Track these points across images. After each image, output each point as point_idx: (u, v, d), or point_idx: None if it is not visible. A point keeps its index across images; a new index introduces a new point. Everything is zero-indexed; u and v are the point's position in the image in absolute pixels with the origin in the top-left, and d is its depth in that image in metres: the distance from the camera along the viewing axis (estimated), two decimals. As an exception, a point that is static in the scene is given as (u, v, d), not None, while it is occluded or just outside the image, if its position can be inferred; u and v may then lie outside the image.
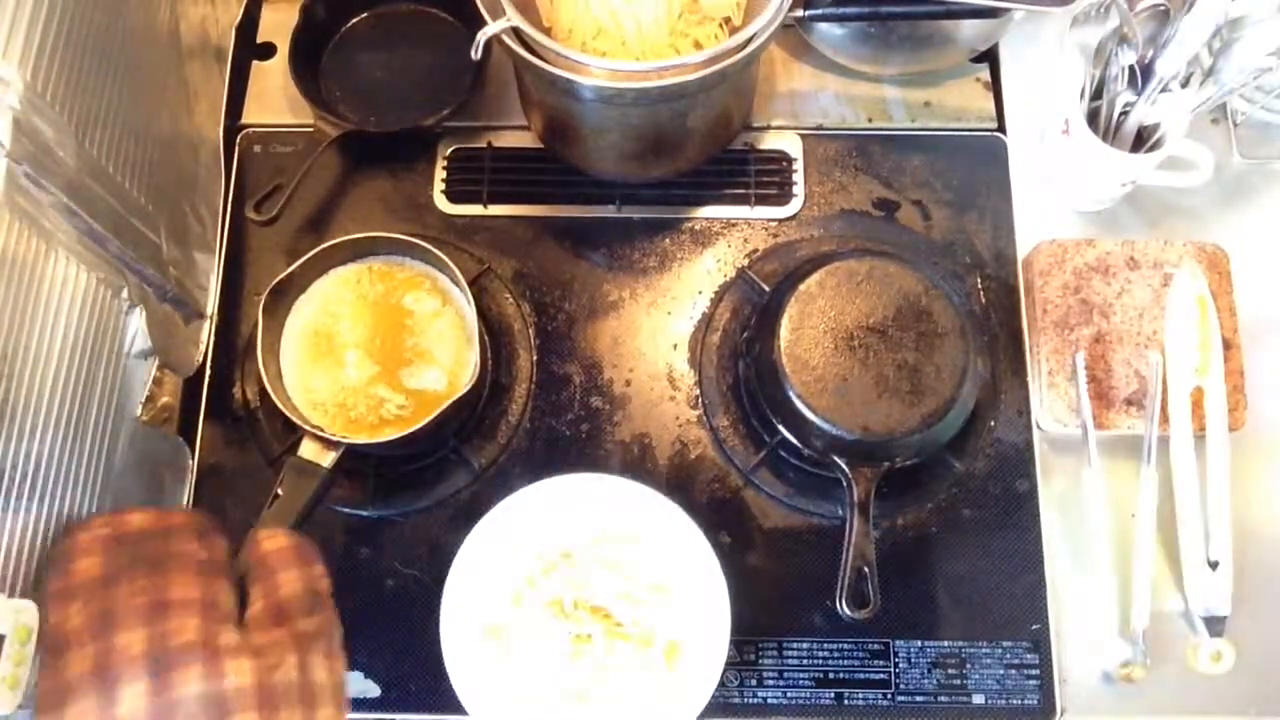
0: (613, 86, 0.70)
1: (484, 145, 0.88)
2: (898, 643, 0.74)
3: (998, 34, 0.89)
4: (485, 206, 0.86)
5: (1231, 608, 0.74)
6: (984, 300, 0.83)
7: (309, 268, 0.75)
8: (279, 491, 0.67)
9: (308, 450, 0.69)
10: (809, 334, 0.72)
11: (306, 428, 0.69)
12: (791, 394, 0.71)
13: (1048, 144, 0.85)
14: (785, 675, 0.74)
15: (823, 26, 0.87)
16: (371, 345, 0.75)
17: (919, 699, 0.74)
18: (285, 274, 0.74)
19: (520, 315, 0.83)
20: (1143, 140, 0.81)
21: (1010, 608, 0.75)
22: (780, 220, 0.86)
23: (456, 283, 0.76)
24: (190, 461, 0.78)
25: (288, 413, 0.70)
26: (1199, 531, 0.75)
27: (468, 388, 0.71)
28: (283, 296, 0.75)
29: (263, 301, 0.72)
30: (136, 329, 0.70)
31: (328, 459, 0.69)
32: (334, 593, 0.58)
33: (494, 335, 0.82)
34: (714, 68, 0.69)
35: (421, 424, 0.70)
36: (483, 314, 0.82)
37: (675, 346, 0.82)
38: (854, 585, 0.68)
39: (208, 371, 0.81)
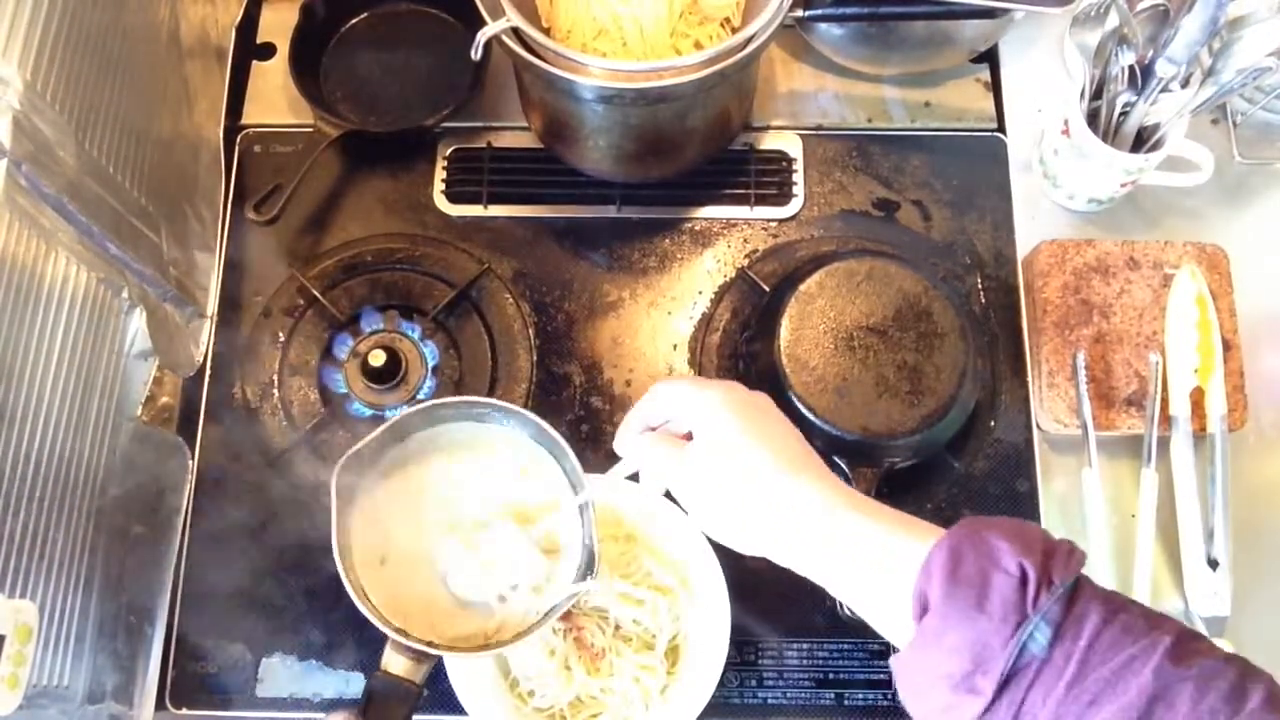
0: (612, 87, 0.70)
1: (484, 145, 0.88)
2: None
3: (998, 34, 0.89)
4: (485, 207, 0.86)
5: (1231, 608, 0.74)
6: (984, 301, 0.83)
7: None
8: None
9: (396, 666, 0.59)
10: (809, 334, 0.72)
11: (401, 640, 0.58)
12: (791, 394, 0.71)
13: (1048, 144, 0.85)
14: (785, 675, 0.74)
15: (822, 27, 0.87)
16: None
17: (919, 699, 0.73)
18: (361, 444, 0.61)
19: (520, 315, 0.83)
20: (1143, 140, 0.81)
21: (1010, 608, 0.75)
22: (780, 220, 0.86)
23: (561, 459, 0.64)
24: (190, 461, 0.78)
25: (368, 613, 0.58)
26: (1199, 531, 0.75)
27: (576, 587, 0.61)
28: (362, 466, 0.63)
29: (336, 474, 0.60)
30: (136, 329, 0.70)
31: (420, 674, 0.59)
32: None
33: (493, 335, 0.82)
34: (714, 68, 0.69)
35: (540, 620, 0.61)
36: (482, 315, 0.83)
37: (675, 347, 0.82)
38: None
39: (208, 371, 0.81)
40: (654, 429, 0.58)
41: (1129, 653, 0.42)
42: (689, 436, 0.56)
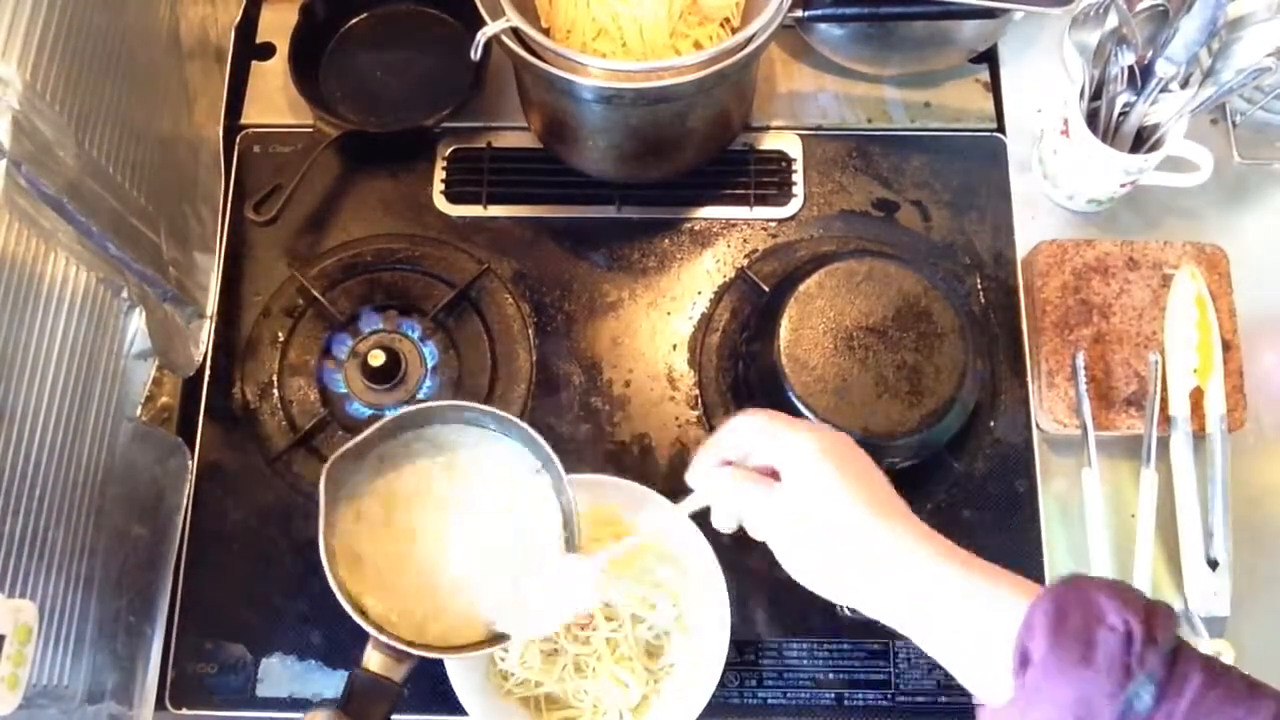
0: (612, 87, 0.70)
1: (484, 145, 0.88)
2: (898, 643, 0.74)
3: (997, 35, 0.89)
4: (485, 207, 0.86)
5: (1231, 608, 0.74)
6: (983, 301, 0.83)
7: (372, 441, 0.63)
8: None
9: (376, 663, 0.60)
10: (809, 334, 0.72)
11: (380, 637, 0.59)
12: (791, 395, 0.71)
13: (1047, 144, 0.85)
14: (785, 675, 0.74)
15: (822, 27, 0.87)
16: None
17: (919, 699, 0.74)
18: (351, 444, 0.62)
19: (520, 315, 0.83)
20: (1143, 140, 0.81)
21: (1010, 608, 0.75)
22: (780, 220, 0.86)
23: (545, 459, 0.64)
24: (190, 461, 0.78)
25: (349, 609, 0.59)
26: (1199, 531, 0.75)
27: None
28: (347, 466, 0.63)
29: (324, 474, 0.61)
30: (136, 329, 0.70)
31: (400, 672, 0.60)
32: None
33: (493, 336, 0.82)
34: (713, 68, 0.69)
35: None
36: (482, 315, 0.83)
37: (675, 347, 0.82)
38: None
39: (208, 371, 0.81)
40: (730, 463, 0.55)
41: (1233, 716, 0.41)
42: (772, 474, 0.53)
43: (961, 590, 0.48)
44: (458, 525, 0.64)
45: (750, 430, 0.54)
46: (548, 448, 0.62)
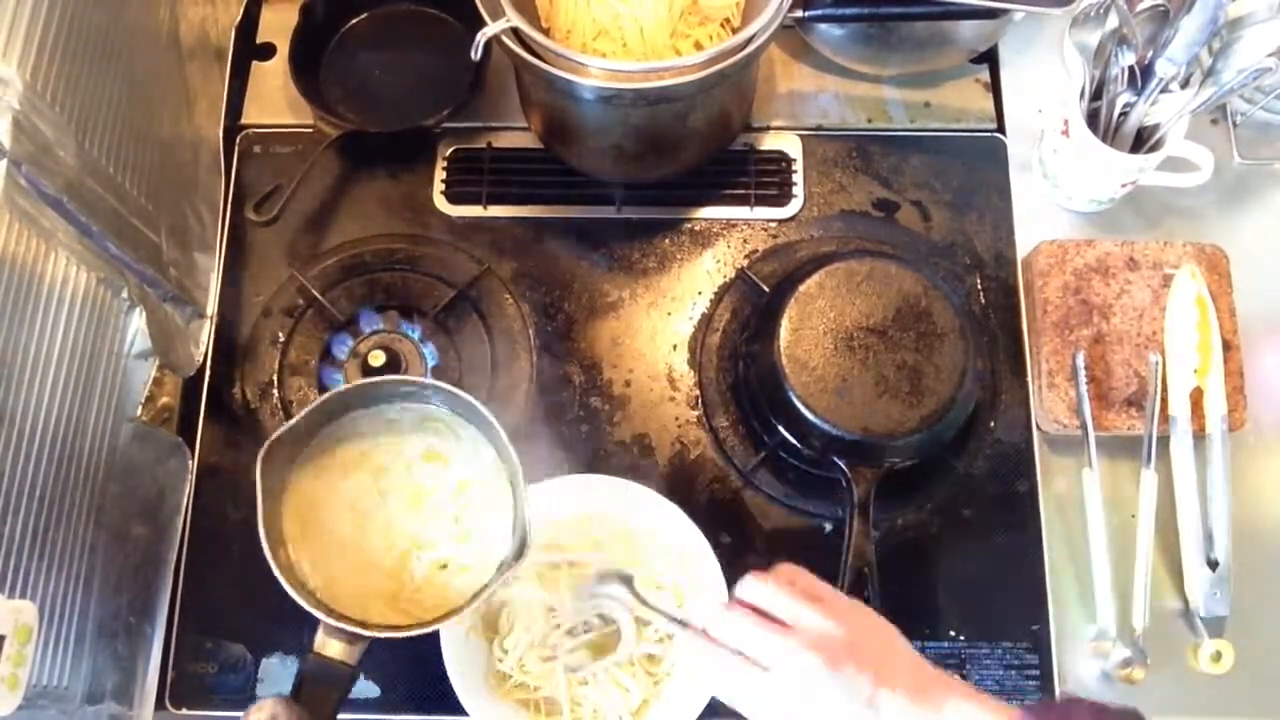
0: (612, 87, 0.70)
1: (484, 146, 0.88)
2: (897, 643, 0.74)
3: (997, 35, 0.89)
4: (485, 207, 0.86)
5: (1231, 608, 0.74)
6: (984, 301, 0.83)
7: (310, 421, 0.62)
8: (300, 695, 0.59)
9: (327, 647, 0.59)
10: (809, 334, 0.72)
11: (330, 621, 0.58)
12: (791, 394, 0.71)
13: (1047, 144, 0.85)
14: (785, 675, 0.74)
15: (822, 27, 0.87)
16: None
17: (919, 699, 0.73)
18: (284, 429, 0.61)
19: (520, 316, 0.83)
20: (1143, 140, 0.81)
21: (1010, 608, 0.75)
22: (780, 221, 0.86)
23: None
24: (190, 461, 0.78)
25: (295, 595, 0.58)
26: (1199, 531, 0.75)
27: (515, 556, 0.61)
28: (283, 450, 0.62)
29: (260, 460, 0.59)
30: (136, 329, 0.70)
31: (354, 655, 0.59)
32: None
33: (493, 336, 0.82)
34: (714, 68, 0.69)
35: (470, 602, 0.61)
36: (482, 315, 0.83)
37: (675, 347, 0.82)
38: (853, 585, 0.68)
39: (208, 371, 0.81)
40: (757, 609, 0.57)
41: None
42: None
43: None
44: (406, 506, 0.64)
45: (774, 597, 0.57)
46: (496, 424, 0.62)
